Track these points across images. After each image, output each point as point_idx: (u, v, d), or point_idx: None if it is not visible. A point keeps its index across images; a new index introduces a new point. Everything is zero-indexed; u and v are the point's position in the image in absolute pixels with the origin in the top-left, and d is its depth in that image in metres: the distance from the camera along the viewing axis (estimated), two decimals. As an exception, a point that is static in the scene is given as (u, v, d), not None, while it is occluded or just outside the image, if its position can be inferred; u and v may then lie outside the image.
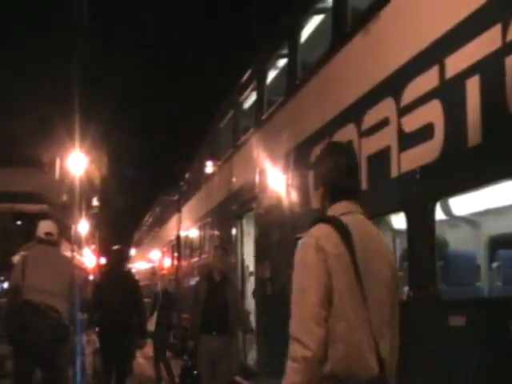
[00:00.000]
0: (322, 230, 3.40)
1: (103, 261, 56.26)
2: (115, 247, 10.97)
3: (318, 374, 3.17)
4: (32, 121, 25.26)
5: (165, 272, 28.24)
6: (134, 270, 43.05)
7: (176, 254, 24.06)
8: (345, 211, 3.52)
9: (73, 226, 30.04)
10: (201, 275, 9.86)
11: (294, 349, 3.21)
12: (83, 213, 36.65)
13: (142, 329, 10.41)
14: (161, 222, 30.86)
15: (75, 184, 26.15)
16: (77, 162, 26.68)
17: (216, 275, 9.45)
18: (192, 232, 20.42)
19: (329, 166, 3.67)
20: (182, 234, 22.81)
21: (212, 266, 9.77)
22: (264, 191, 11.37)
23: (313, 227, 3.47)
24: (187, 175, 23.20)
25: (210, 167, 17.33)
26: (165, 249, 28.10)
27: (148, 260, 35.41)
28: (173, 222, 25.60)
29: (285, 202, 10.23)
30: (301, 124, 9.67)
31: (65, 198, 21.04)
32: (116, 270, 10.53)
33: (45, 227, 7.97)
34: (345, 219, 3.41)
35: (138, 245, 47.31)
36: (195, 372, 9.69)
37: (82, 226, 40.43)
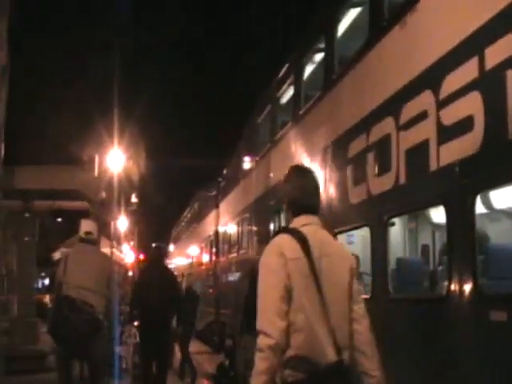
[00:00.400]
0: (283, 239, 4.08)
1: (142, 257, 56.79)
2: (154, 244, 11.13)
3: (281, 360, 3.77)
4: (71, 119, 25.56)
5: (190, 270, 28.42)
6: (172, 266, 43.36)
7: (214, 250, 24.13)
8: (305, 223, 4.19)
9: (112, 223, 30.31)
10: (243, 272, 8.99)
11: (260, 340, 3.81)
12: (122, 209, 36.97)
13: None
14: (199, 217, 30.96)
15: (114, 181, 26.41)
16: (115, 159, 26.91)
17: None
18: (230, 227, 20.47)
19: (294, 186, 4.34)
20: (220, 229, 22.88)
21: (256, 262, 8.71)
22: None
23: (276, 236, 4.16)
24: (225, 171, 23.26)
25: (247, 162, 17.35)
26: (203, 244, 28.19)
27: (186, 256, 35.53)
28: (211, 217, 25.70)
29: (323, 196, 10.19)
30: (338, 118, 9.63)
31: (104, 195, 21.19)
32: (155, 267, 10.65)
33: (85, 226, 8.42)
34: (304, 230, 4.09)
35: (176, 241, 47.53)
36: (233, 373, 8.96)
37: (121, 223, 40.79)
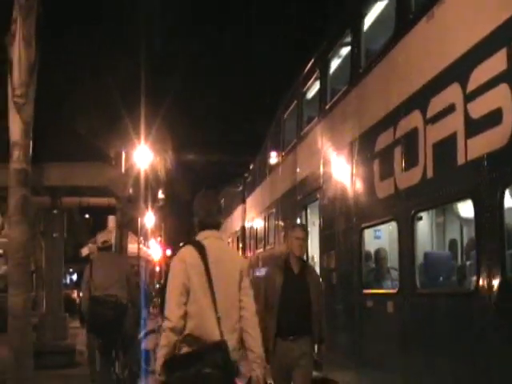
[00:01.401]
0: (186, 249, 5.30)
1: (169, 252, 57.04)
2: (182, 243, 11.46)
3: (179, 338, 5.00)
4: (98, 116, 25.70)
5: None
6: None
7: (241, 245, 24.19)
8: (206, 237, 5.39)
9: (139, 219, 30.48)
10: (273, 265, 7.69)
11: (164, 323, 5.07)
12: (149, 205, 37.16)
13: None
14: (225, 213, 31.06)
15: (141, 177, 26.56)
16: (142, 156, 27.09)
17: (294, 264, 7.49)
18: (257, 223, 20.50)
19: (200, 208, 5.53)
20: (247, 224, 22.92)
21: (289, 253, 7.61)
22: (328, 181, 11.32)
23: (183, 247, 5.39)
24: (252, 166, 23.28)
25: (274, 158, 17.36)
26: (230, 240, 28.27)
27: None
28: (237, 212, 25.75)
29: (350, 191, 10.17)
30: (365, 113, 9.59)
31: (131, 191, 21.29)
32: None
33: (101, 238, 10.55)
34: (205, 242, 5.30)
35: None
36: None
37: (148, 219, 41.01)
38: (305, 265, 7.76)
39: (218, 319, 5.04)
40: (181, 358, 5.00)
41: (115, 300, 9.46)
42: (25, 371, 9.19)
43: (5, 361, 9.47)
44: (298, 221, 13.53)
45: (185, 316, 5.02)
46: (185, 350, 5.03)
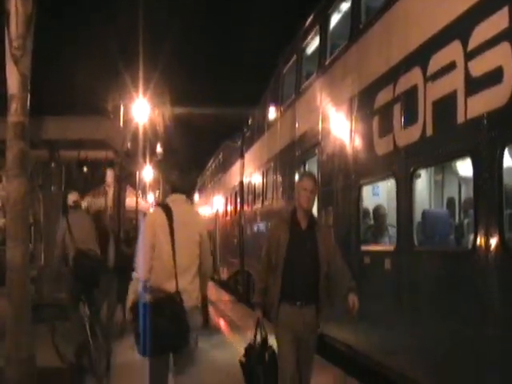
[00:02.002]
0: (155, 210, 6.38)
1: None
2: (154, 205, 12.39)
3: (146, 286, 5.91)
4: (96, 69, 25.53)
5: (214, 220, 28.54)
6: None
7: (239, 200, 24.19)
8: (173, 200, 6.27)
9: (137, 173, 30.47)
10: (278, 219, 7.21)
11: (134, 274, 6.09)
12: (147, 159, 37.13)
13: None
14: (224, 167, 30.99)
15: (139, 131, 26.49)
16: (141, 109, 26.97)
17: (302, 219, 6.53)
18: (255, 178, 20.48)
19: (174, 174, 6.45)
20: (245, 180, 22.89)
21: (295, 206, 6.68)
22: (327, 137, 11.29)
23: (154, 209, 6.44)
24: (250, 121, 23.18)
25: (272, 113, 17.28)
26: (228, 194, 28.27)
27: (211, 205, 35.68)
28: (236, 167, 25.70)
29: (348, 148, 10.15)
30: (365, 69, 9.53)
31: (129, 145, 21.26)
32: None
33: (72, 197, 11.10)
34: (172, 205, 6.17)
35: (201, 190, 47.71)
36: (267, 354, 6.50)
37: (147, 173, 41.02)
38: (314, 220, 6.64)
39: (176, 274, 5.93)
40: (144, 304, 5.90)
41: (95, 254, 10.27)
42: (23, 324, 9.24)
43: (3, 314, 9.53)
44: (297, 176, 13.51)
45: (151, 270, 6.00)
46: (149, 298, 5.93)
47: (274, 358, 6.36)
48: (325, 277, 6.40)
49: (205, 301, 6.88)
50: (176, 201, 6.28)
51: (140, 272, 6.02)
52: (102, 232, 11.54)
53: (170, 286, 5.93)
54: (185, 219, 6.17)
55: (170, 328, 5.82)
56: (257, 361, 6.35)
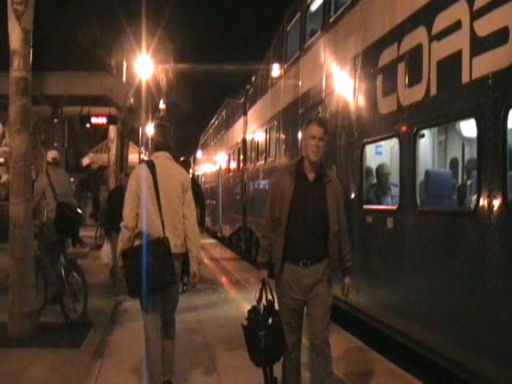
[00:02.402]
0: (140, 166, 6.94)
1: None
2: (182, 159, 12.86)
3: (132, 234, 6.44)
4: (99, 25, 25.32)
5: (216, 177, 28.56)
6: (200, 173, 43.56)
7: (242, 158, 24.18)
8: (157, 156, 6.84)
9: (139, 129, 30.42)
10: (282, 171, 6.28)
11: (121, 223, 6.55)
12: (150, 116, 37.02)
13: (202, 220, 14.14)
14: (227, 124, 30.91)
15: (142, 87, 26.34)
16: (143, 65, 26.79)
17: (309, 171, 5.94)
18: (258, 135, 20.45)
19: (155, 134, 7.16)
20: (248, 137, 22.86)
21: (302, 157, 6.10)
22: (331, 95, 11.24)
23: (139, 164, 7.14)
24: (254, 78, 23.06)
25: (276, 70, 17.17)
26: (230, 152, 28.25)
27: (214, 162, 35.69)
28: (238, 125, 25.63)
29: (352, 106, 10.11)
30: (369, 27, 9.45)
31: (132, 101, 21.19)
32: None
33: (51, 154, 11.63)
34: (156, 161, 6.73)
35: (204, 147, 47.66)
36: (270, 320, 5.97)
37: (149, 129, 40.94)
38: (322, 172, 5.93)
39: (162, 222, 6.45)
40: (132, 249, 6.39)
41: (75, 206, 11.22)
42: (26, 279, 9.33)
43: (7, 269, 9.61)
44: (300, 134, 13.48)
45: (136, 217, 6.50)
46: (136, 243, 6.43)
47: (278, 324, 5.89)
48: (334, 234, 5.85)
49: (194, 259, 6.64)
50: (159, 157, 6.82)
51: (126, 220, 6.50)
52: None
53: (157, 232, 6.42)
54: (167, 172, 6.70)
55: (158, 266, 6.27)
56: (260, 326, 5.89)
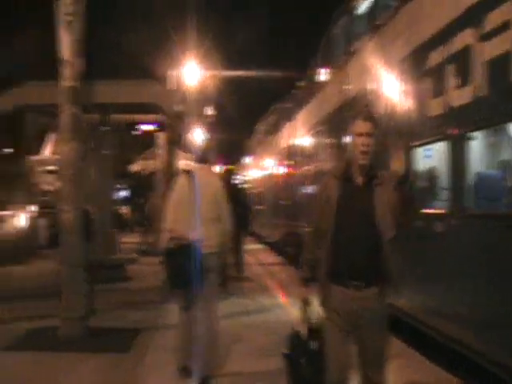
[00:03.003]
0: (181, 175, 7.68)
1: (217, 168, 57.38)
2: (226, 167, 13.73)
3: (171, 236, 7.21)
4: (147, 32, 25.56)
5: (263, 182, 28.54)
6: (248, 178, 43.59)
7: (289, 162, 24.16)
8: (195, 167, 7.58)
9: (188, 135, 30.58)
10: (328, 175, 5.24)
11: (162, 225, 7.51)
12: (198, 122, 37.19)
13: (247, 224, 16.63)
14: (274, 129, 30.92)
15: (190, 93, 26.48)
16: (191, 72, 26.94)
17: (357, 173, 4.93)
18: (305, 140, 20.40)
19: (194, 149, 8.28)
20: (296, 142, 22.82)
21: (350, 158, 5.06)
22: (379, 99, 11.16)
23: (180, 174, 7.77)
24: (301, 83, 23.04)
25: (323, 75, 17.13)
26: (278, 156, 28.23)
27: (261, 167, 35.69)
28: (286, 129, 25.62)
29: (400, 109, 10.01)
30: (417, 29, 9.35)
31: (180, 107, 21.32)
32: (227, 185, 13.15)
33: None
34: (194, 170, 7.46)
35: (251, 153, 47.71)
36: (313, 345, 5.04)
37: (197, 135, 41.12)
38: (373, 174, 4.90)
39: (196, 225, 7.07)
40: (172, 249, 7.13)
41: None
42: (77, 285, 9.44)
43: (56, 275, 9.77)
44: (347, 138, 13.39)
45: (174, 221, 7.24)
46: (173, 244, 7.16)
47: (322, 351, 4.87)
48: (389, 242, 4.77)
49: (223, 261, 7.85)
50: (197, 168, 7.57)
51: (167, 223, 7.33)
52: None
53: (191, 235, 7.08)
54: (203, 181, 7.37)
55: (188, 266, 6.93)
56: (302, 353, 5.02)
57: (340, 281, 4.72)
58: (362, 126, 4.92)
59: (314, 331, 4.99)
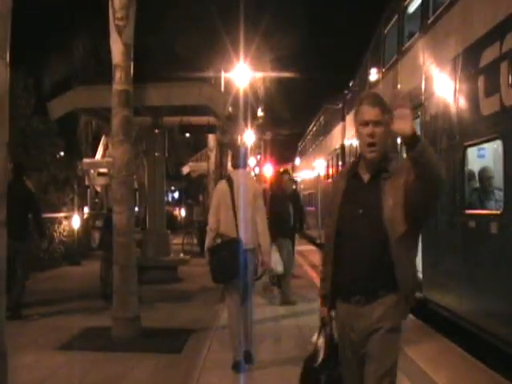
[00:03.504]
0: (221, 181, 8.57)
1: (269, 169, 57.67)
2: (282, 170, 14.32)
3: (215, 234, 7.96)
4: (197, 35, 25.71)
5: (314, 184, 28.41)
6: (299, 179, 43.54)
7: (340, 163, 24.07)
8: (234, 173, 8.38)
9: (238, 137, 30.69)
10: (339, 172, 5.21)
11: (208, 226, 8.14)
12: (249, 123, 37.30)
13: (301, 225, 17.40)
14: (325, 130, 30.84)
15: (240, 95, 26.58)
16: (241, 74, 27.04)
17: (364, 170, 4.21)
18: (355, 141, 20.28)
19: (232, 155, 8.98)
20: (347, 142, 22.73)
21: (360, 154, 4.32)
22: (431, 98, 11.04)
23: (221, 180, 8.94)
24: (352, 83, 22.94)
25: (374, 74, 17.02)
26: (329, 157, 28.15)
27: (312, 169, 35.63)
28: (337, 130, 25.54)
29: (453, 108, 9.89)
30: (469, 26, 9.23)
31: (230, 109, 21.37)
32: (278, 189, 14.27)
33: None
34: (233, 176, 8.26)
35: (302, 154, 47.69)
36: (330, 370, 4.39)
37: (248, 137, 41.25)
38: (381, 167, 4.10)
39: (237, 225, 7.89)
40: (215, 246, 7.95)
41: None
42: (129, 285, 9.54)
43: (112, 275, 9.89)
44: (398, 140, 13.28)
45: (218, 221, 7.98)
46: (218, 241, 8.00)
47: (339, 376, 4.29)
48: (399, 241, 3.93)
49: (264, 251, 8.25)
50: (235, 174, 8.35)
51: (211, 223, 8.05)
52: None
53: (232, 233, 7.90)
54: (241, 186, 8.10)
55: (231, 260, 7.71)
56: (318, 375, 4.33)
57: (342, 295, 4.17)
58: (367, 112, 4.03)
59: (332, 352, 4.33)
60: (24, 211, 11.23)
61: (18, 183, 11.45)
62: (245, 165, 8.57)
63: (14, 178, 11.43)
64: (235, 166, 8.56)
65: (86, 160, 30.97)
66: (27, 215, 11.42)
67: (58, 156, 31.69)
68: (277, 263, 12.04)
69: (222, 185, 8.28)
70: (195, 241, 24.90)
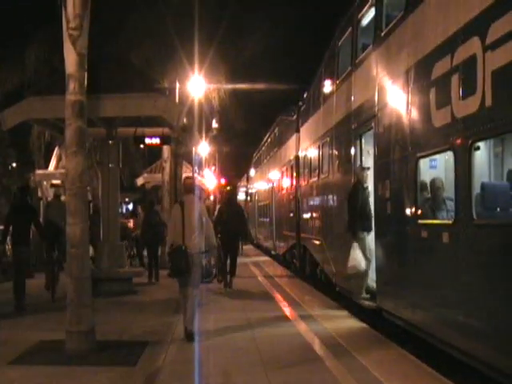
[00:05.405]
0: (176, 204, 11.28)
1: (223, 182, 57.44)
2: (228, 188, 15.79)
3: (172, 242, 10.69)
4: (152, 46, 25.64)
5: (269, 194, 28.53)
6: (253, 191, 43.54)
7: (295, 174, 24.16)
8: (185, 198, 10.98)
9: (193, 148, 30.65)
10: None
11: (167, 237, 11.31)
12: (203, 135, 37.29)
13: (245, 234, 21.50)
14: (279, 142, 30.94)
15: (195, 107, 26.55)
16: (196, 85, 27.02)
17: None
18: (311, 152, 20.42)
19: (184, 183, 11.81)
20: (301, 154, 22.83)
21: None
22: (384, 110, 11.17)
23: (176, 203, 11.57)
24: (305, 94, 23.07)
25: (328, 86, 17.14)
26: (283, 169, 28.24)
27: (267, 180, 35.71)
28: (291, 142, 25.63)
29: (405, 120, 10.02)
30: (422, 39, 9.37)
31: (185, 121, 21.34)
32: (230, 202, 18.84)
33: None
34: (184, 199, 10.89)
35: (257, 165, 47.75)
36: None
37: (202, 148, 41.21)
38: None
39: (183, 235, 10.39)
40: (171, 250, 10.51)
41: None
42: (84, 297, 9.44)
43: (65, 288, 9.76)
44: (353, 150, 13.43)
45: (174, 233, 10.55)
46: (173, 247, 10.44)
47: None
48: None
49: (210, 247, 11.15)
50: (186, 198, 10.92)
51: (168, 236, 10.85)
52: None
53: (180, 241, 10.39)
54: (190, 207, 10.66)
55: (181, 261, 10.27)
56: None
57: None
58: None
59: None
60: (29, 224, 14.13)
61: (25, 201, 14.48)
62: (193, 190, 11.26)
63: (22, 197, 14.53)
64: (186, 191, 11.20)
65: (39, 171, 30.55)
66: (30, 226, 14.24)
67: (9, 167, 31.21)
68: (360, 261, 11.97)
69: (177, 206, 10.90)
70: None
